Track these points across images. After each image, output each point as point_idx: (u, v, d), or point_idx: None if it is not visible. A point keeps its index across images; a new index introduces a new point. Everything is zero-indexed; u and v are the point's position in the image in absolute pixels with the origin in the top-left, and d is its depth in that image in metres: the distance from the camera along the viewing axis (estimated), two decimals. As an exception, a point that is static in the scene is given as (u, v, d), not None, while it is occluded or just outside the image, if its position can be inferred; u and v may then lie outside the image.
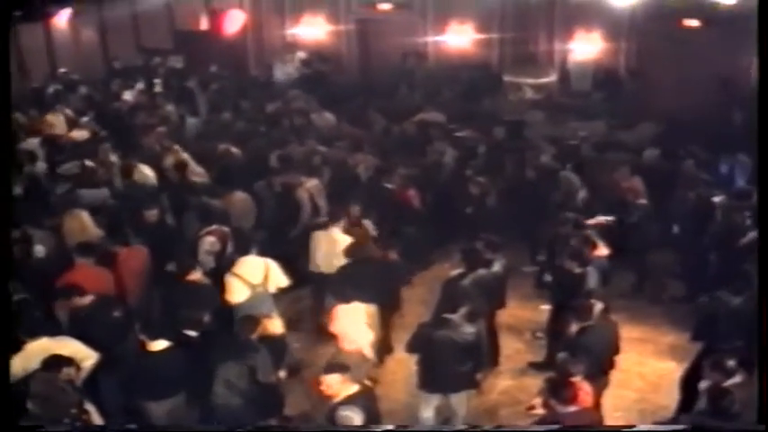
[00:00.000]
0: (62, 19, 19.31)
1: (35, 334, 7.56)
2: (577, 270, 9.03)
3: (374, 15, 19.56)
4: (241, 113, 16.06)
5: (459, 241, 10.33)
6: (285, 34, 20.53)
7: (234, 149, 13.27)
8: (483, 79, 17.77)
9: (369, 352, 8.17)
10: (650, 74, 16.12)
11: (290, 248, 10.50)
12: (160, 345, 7.58)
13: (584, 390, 7.04)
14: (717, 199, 10.83)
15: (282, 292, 9.55)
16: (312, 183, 11.78)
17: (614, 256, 9.97)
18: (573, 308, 8.15)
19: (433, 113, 15.63)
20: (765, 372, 6.27)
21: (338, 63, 19.95)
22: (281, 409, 8.15)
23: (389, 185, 11.91)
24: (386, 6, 19.21)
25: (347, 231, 10.01)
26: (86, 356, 7.52)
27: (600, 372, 7.91)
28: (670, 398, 8.71)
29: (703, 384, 7.19)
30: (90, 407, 6.96)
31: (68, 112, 15.49)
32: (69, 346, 7.50)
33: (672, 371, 9.30)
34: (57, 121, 14.96)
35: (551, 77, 17.50)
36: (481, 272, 9.15)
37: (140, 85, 17.80)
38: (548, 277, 9.87)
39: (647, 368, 9.73)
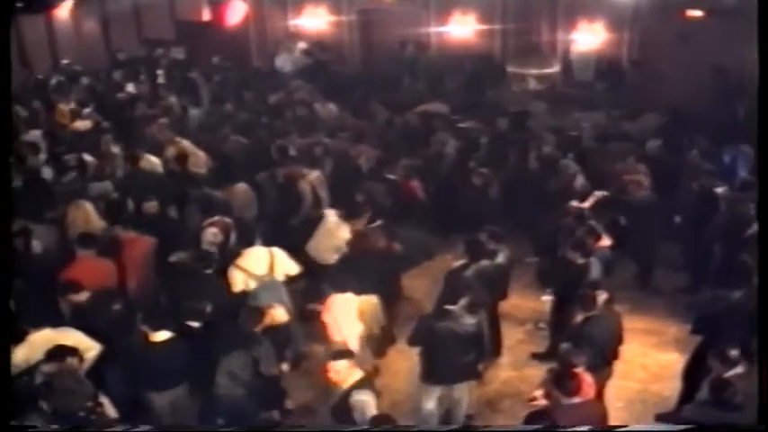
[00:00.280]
0: (64, 10, 19.31)
1: (38, 325, 7.56)
2: (580, 261, 9.01)
3: (376, 6, 19.51)
4: (244, 104, 16.05)
5: (463, 232, 10.33)
6: (287, 25, 20.51)
7: (239, 138, 13.29)
8: (486, 70, 17.71)
9: (354, 345, 8.19)
10: (653, 64, 16.03)
11: (292, 238, 10.48)
12: (162, 336, 7.58)
13: (587, 381, 7.04)
14: (720, 190, 10.81)
15: (293, 279, 9.51)
16: (314, 174, 11.78)
17: (617, 246, 9.97)
18: (577, 298, 8.13)
19: (436, 104, 15.60)
20: (765, 369, 6.24)
21: (340, 54, 19.93)
22: (283, 401, 8.15)
23: (392, 176, 11.90)
24: (388, -3, 19.16)
25: (350, 222, 10.02)
26: (89, 347, 7.51)
27: (603, 362, 7.92)
28: (672, 389, 8.72)
29: (706, 375, 7.18)
30: (104, 399, 6.91)
31: (71, 103, 15.50)
32: (72, 337, 7.50)
33: (674, 362, 9.30)
34: (64, 111, 15.04)
35: (554, 68, 17.44)
36: (484, 263, 9.14)
37: (143, 77, 17.81)
38: (549, 268, 9.88)
39: (650, 359, 9.72)
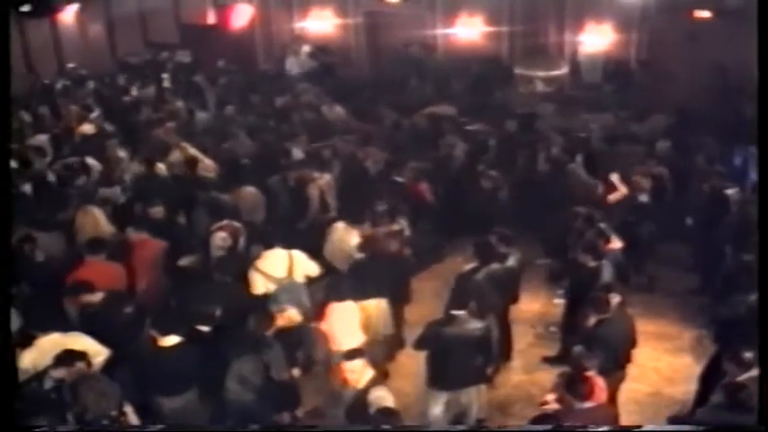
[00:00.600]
0: (69, 14, 19.33)
1: (46, 329, 7.52)
2: (592, 264, 8.94)
3: (382, 8, 19.44)
4: (250, 108, 16.02)
5: (472, 235, 10.26)
6: (293, 28, 20.48)
7: (246, 142, 13.26)
8: (493, 72, 17.69)
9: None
10: (661, 66, 16.01)
11: (301, 242, 10.43)
12: (171, 340, 7.52)
13: (599, 385, 6.97)
14: (731, 192, 10.74)
15: (313, 280, 9.42)
16: (325, 179, 11.73)
17: (628, 249, 9.90)
18: (590, 301, 8.07)
19: (444, 107, 15.57)
20: (766, 371, 6.17)
21: (347, 56, 19.90)
22: (294, 405, 8.09)
23: (400, 179, 11.85)
24: (394, -1, 19.12)
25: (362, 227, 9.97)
26: (97, 353, 7.46)
27: (616, 366, 7.85)
28: (685, 392, 8.66)
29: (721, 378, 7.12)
30: (128, 408, 6.84)
31: (77, 107, 15.50)
32: (81, 342, 7.44)
33: (687, 365, 9.25)
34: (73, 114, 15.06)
35: (562, 70, 17.41)
36: (494, 266, 9.06)
37: (148, 80, 17.81)
38: (560, 270, 9.82)
39: (662, 362, 9.65)
